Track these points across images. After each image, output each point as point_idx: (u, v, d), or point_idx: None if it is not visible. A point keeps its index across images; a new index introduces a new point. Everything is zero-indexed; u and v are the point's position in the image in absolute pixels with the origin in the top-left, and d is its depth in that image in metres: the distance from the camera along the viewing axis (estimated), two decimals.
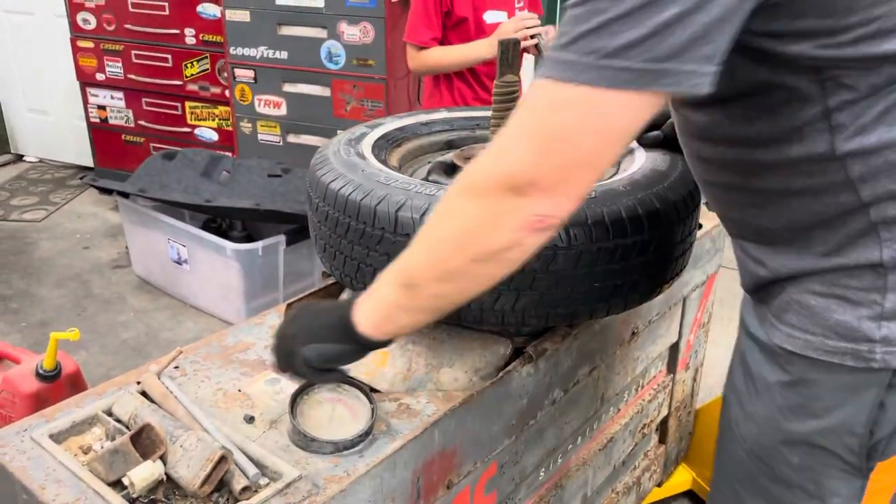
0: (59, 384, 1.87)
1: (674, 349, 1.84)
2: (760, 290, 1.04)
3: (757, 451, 1.08)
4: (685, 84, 0.75)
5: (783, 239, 0.98)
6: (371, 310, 0.97)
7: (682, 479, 2.16)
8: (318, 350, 1.01)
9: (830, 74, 0.84)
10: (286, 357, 1.04)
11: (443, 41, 2.46)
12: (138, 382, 1.16)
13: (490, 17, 2.42)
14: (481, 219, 0.84)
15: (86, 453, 1.05)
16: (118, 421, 1.09)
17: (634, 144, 1.46)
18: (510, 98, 1.40)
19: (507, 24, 2.34)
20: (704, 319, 1.96)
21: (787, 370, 0.99)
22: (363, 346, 0.99)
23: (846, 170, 0.88)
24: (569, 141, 0.78)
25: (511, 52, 1.39)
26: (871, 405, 0.94)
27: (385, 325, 0.97)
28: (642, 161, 1.37)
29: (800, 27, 0.82)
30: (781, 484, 1.06)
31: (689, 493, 2.19)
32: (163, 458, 0.99)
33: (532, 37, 2.25)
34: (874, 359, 0.92)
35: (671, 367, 1.87)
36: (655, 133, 1.39)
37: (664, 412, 1.92)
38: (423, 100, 2.71)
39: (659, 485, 2.08)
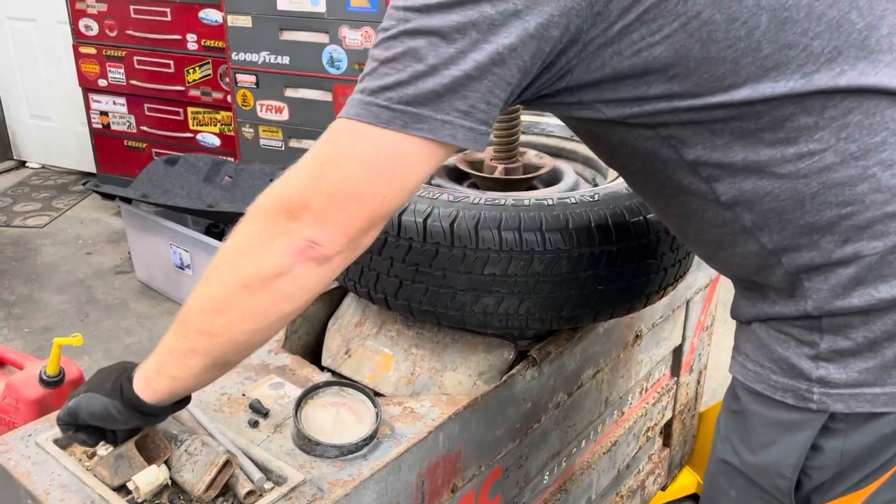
0: (62, 390, 1.87)
1: (677, 352, 1.84)
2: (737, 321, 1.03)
3: (706, 481, 1.08)
4: (441, 133, 0.78)
5: (738, 288, 0.99)
6: (149, 362, 0.92)
7: (687, 482, 2.16)
8: (88, 400, 0.95)
9: (664, 132, 0.85)
10: (62, 422, 0.99)
11: None
12: None
13: None
14: (253, 237, 0.83)
15: (90, 458, 1.05)
16: None
17: None
18: None
19: None
20: (708, 322, 1.96)
21: (736, 399, 0.98)
22: (133, 408, 0.92)
23: (740, 218, 0.88)
24: (339, 169, 0.80)
25: None
26: (803, 447, 0.91)
27: (156, 379, 0.92)
28: None
29: (605, 95, 0.84)
30: None
31: (693, 497, 2.18)
32: (167, 463, 0.99)
33: None
34: (812, 399, 0.89)
35: (675, 370, 1.87)
36: None
37: (668, 415, 1.92)
38: None
39: (663, 488, 2.08)
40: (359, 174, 0.80)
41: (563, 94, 0.85)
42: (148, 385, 0.92)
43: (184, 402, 0.98)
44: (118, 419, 0.95)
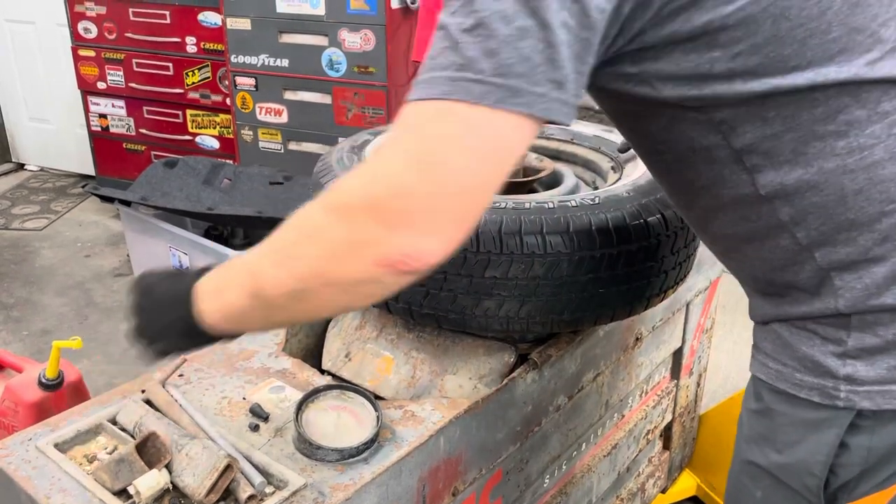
0: (61, 393, 1.87)
1: (677, 355, 1.84)
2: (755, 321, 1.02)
3: (729, 484, 1.06)
4: (537, 107, 0.73)
5: (754, 288, 0.98)
6: (218, 309, 0.88)
7: (687, 485, 2.16)
8: (172, 347, 0.96)
9: (717, 116, 0.83)
10: (135, 336, 0.98)
11: None
12: (143, 391, 1.16)
13: None
14: (342, 244, 0.76)
15: (91, 462, 1.05)
16: (123, 430, 1.09)
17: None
18: None
19: None
20: (707, 325, 1.96)
21: (759, 398, 0.97)
22: (213, 338, 0.92)
23: (777, 212, 0.86)
24: (436, 163, 0.72)
25: None
26: (831, 445, 0.90)
27: (235, 325, 0.90)
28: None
29: (666, 69, 0.81)
30: None
31: (693, 500, 2.18)
32: (168, 467, 0.99)
33: None
34: (839, 397, 0.88)
35: (675, 372, 1.87)
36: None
37: (668, 418, 1.92)
38: None
39: (663, 491, 2.08)
40: (460, 163, 0.72)
41: (626, 62, 0.81)
42: (228, 327, 0.90)
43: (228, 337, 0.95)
44: (204, 346, 0.95)
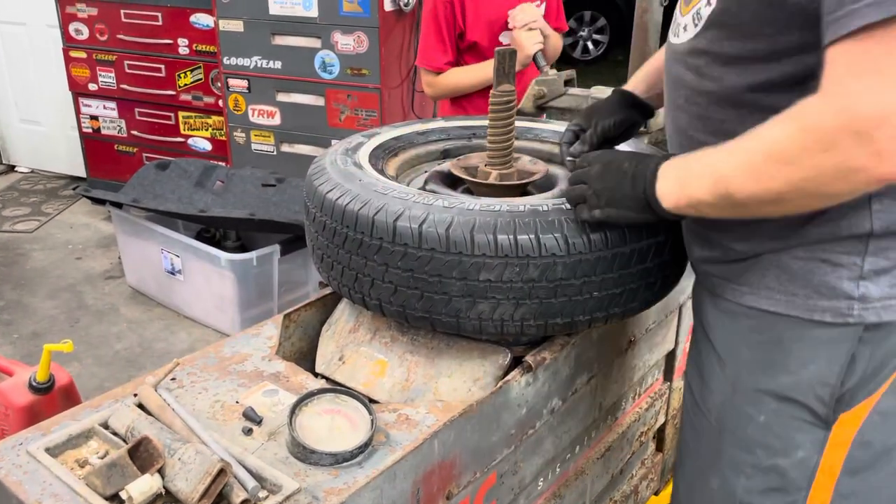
0: (52, 396, 1.86)
1: (670, 357, 1.84)
2: (731, 263, 1.12)
3: (722, 419, 1.15)
4: None
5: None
6: (678, 196, 1.03)
7: None
8: (618, 216, 1.11)
9: None
10: (576, 198, 1.16)
11: (458, 63, 2.40)
12: (135, 395, 1.15)
13: (507, 38, 2.37)
14: (828, 170, 0.86)
15: (82, 467, 1.04)
16: (115, 434, 1.08)
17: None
18: (507, 107, 1.40)
19: (517, 14, 2.27)
20: None
21: (759, 331, 1.08)
22: (658, 217, 1.08)
23: None
24: None
25: (507, 62, 1.39)
26: (845, 356, 1.03)
27: (687, 211, 1.04)
28: None
29: None
30: (744, 448, 1.13)
31: None
32: (161, 472, 0.98)
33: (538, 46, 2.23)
34: (851, 314, 1.01)
35: (668, 375, 1.87)
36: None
37: (661, 420, 1.92)
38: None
39: (656, 493, 2.08)
40: None
41: None
42: (678, 211, 1.04)
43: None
44: (640, 223, 1.14)
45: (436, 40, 2.33)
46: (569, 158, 1.43)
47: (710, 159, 0.99)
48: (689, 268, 1.42)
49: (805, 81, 0.93)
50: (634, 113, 1.45)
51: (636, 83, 1.48)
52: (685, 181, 1.03)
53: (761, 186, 0.92)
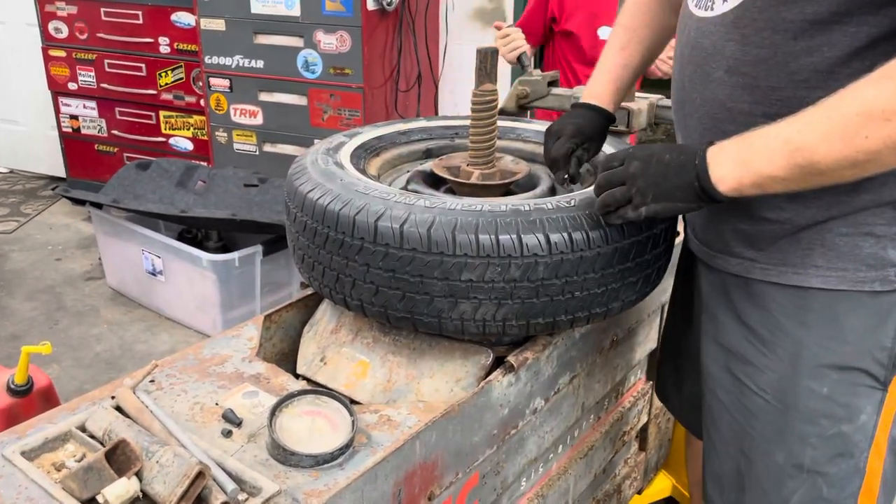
0: (30, 399, 1.83)
1: (653, 357, 1.85)
2: (767, 244, 1.15)
3: (783, 397, 1.19)
4: None
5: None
6: (740, 177, 1.02)
7: (662, 485, 2.17)
8: (666, 209, 1.10)
9: None
10: (620, 200, 1.12)
11: (555, 50, 2.43)
12: (113, 397, 1.14)
13: (605, 32, 2.38)
14: None
15: (59, 470, 1.03)
16: (92, 437, 1.07)
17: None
18: (489, 107, 1.40)
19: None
20: None
21: (811, 309, 1.13)
22: (712, 202, 1.07)
23: None
24: None
25: (489, 61, 1.39)
26: (894, 321, 1.11)
27: (749, 190, 1.03)
28: None
29: None
30: (808, 420, 1.17)
31: (668, 500, 2.19)
32: (138, 475, 0.97)
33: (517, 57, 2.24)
34: None
35: (650, 374, 1.88)
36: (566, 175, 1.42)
37: (644, 419, 1.93)
38: None
39: (639, 492, 2.08)
40: None
41: None
42: (739, 192, 1.04)
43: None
44: (692, 211, 1.14)
45: (525, 15, 2.49)
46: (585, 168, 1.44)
47: (780, 133, 0.99)
48: (669, 268, 1.43)
49: (869, 47, 0.97)
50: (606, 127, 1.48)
51: (607, 99, 1.46)
52: (748, 161, 1.01)
53: (854, 148, 0.93)
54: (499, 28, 2.31)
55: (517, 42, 2.26)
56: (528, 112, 1.94)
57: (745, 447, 1.26)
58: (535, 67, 2.37)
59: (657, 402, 1.95)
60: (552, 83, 1.94)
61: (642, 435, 1.98)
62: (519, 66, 2.26)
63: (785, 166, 0.98)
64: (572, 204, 1.21)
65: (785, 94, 1.05)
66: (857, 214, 1.08)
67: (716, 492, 1.35)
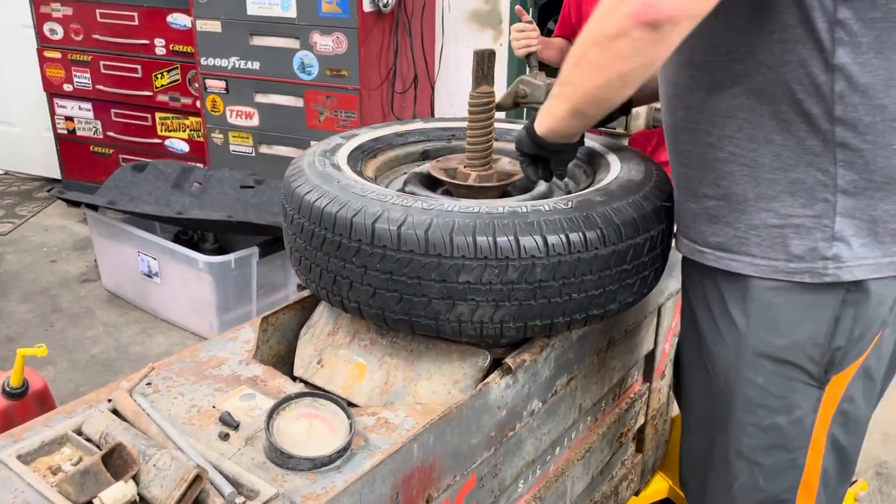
0: (26, 402, 1.83)
1: (650, 358, 1.85)
2: (713, 227, 1.21)
3: (726, 382, 1.25)
4: None
5: (740, 156, 1.14)
6: (541, 113, 1.23)
7: (659, 487, 2.17)
8: (516, 135, 1.32)
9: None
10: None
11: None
12: (109, 400, 1.13)
13: None
14: (608, 5, 1.01)
15: (55, 474, 1.02)
16: (88, 440, 1.06)
17: (609, 155, 1.47)
18: (486, 108, 1.40)
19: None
20: (678, 329, 1.97)
21: (750, 299, 1.17)
22: (530, 137, 1.26)
23: (833, 83, 1.04)
24: None
25: (486, 63, 1.39)
26: (829, 319, 1.14)
27: (541, 118, 1.23)
28: (617, 171, 1.38)
29: None
30: (746, 409, 1.23)
31: (665, 502, 2.19)
32: (135, 479, 0.97)
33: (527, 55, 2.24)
34: (827, 274, 1.11)
35: (647, 376, 1.88)
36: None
37: (641, 421, 1.93)
38: None
39: (636, 493, 2.08)
40: None
41: None
42: (539, 121, 1.23)
43: (573, 146, 1.29)
44: (523, 148, 1.29)
45: (558, 27, 2.56)
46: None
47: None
48: (666, 270, 1.43)
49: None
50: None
51: None
52: (547, 103, 1.21)
53: (575, 47, 1.09)
54: (520, 15, 2.29)
55: (530, 41, 2.25)
56: (525, 111, 1.93)
57: (708, 430, 1.33)
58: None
59: (654, 404, 1.95)
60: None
61: (639, 436, 1.98)
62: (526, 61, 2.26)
63: (557, 92, 1.17)
64: (570, 206, 1.21)
65: (712, 67, 1.14)
66: (787, 206, 1.12)
67: (688, 469, 1.44)
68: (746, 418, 1.24)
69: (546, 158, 1.31)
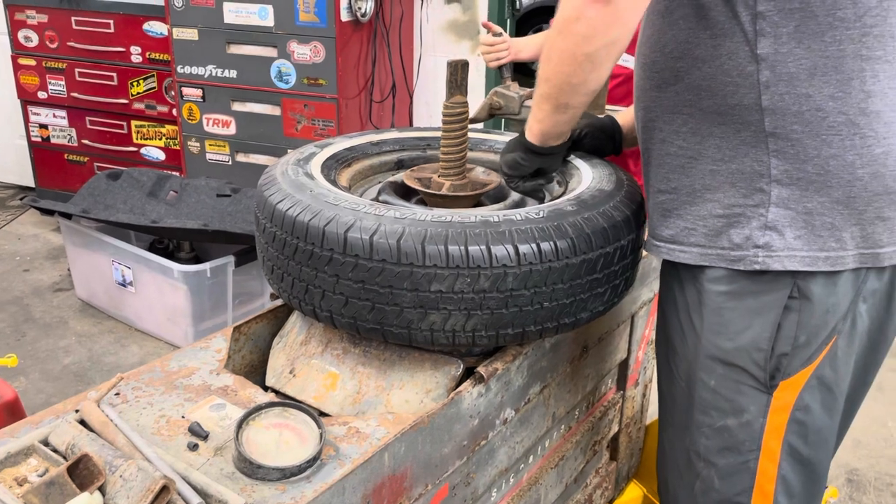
0: None
1: (623, 366, 1.86)
2: (667, 220, 1.25)
3: (687, 383, 1.29)
4: None
5: (687, 149, 1.20)
6: (531, 120, 1.28)
7: (634, 495, 2.18)
8: (506, 159, 1.37)
9: None
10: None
11: None
12: (77, 410, 1.12)
13: (626, 60, 2.35)
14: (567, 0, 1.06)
15: (21, 485, 1.01)
16: (55, 451, 1.05)
17: (581, 165, 1.48)
18: (460, 118, 1.41)
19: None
20: (652, 336, 1.99)
21: (704, 302, 1.21)
22: (526, 149, 1.32)
23: (759, 73, 1.10)
24: None
25: (460, 74, 1.39)
26: (772, 324, 1.17)
27: (530, 125, 1.28)
28: (589, 181, 1.39)
29: None
30: (701, 410, 1.27)
31: None
32: (101, 490, 0.96)
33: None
34: (757, 262, 1.15)
35: (621, 383, 1.89)
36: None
37: (615, 429, 1.94)
38: None
39: (610, 501, 2.09)
40: None
41: None
42: (529, 129, 1.28)
43: (563, 145, 1.34)
44: (524, 164, 1.34)
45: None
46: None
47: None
48: (639, 279, 1.44)
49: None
50: (607, 143, 1.57)
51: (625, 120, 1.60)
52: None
53: (545, 41, 1.14)
54: (487, 28, 2.29)
55: (500, 53, 2.26)
56: (502, 122, 1.95)
57: (675, 430, 1.36)
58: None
59: (628, 412, 1.96)
60: (530, 98, 1.95)
61: (613, 444, 1.99)
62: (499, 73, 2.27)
63: (537, 94, 1.21)
64: (541, 215, 1.21)
65: (660, 66, 1.20)
66: (729, 196, 1.16)
67: (660, 469, 1.47)
68: (702, 419, 1.27)
69: (542, 169, 1.36)
